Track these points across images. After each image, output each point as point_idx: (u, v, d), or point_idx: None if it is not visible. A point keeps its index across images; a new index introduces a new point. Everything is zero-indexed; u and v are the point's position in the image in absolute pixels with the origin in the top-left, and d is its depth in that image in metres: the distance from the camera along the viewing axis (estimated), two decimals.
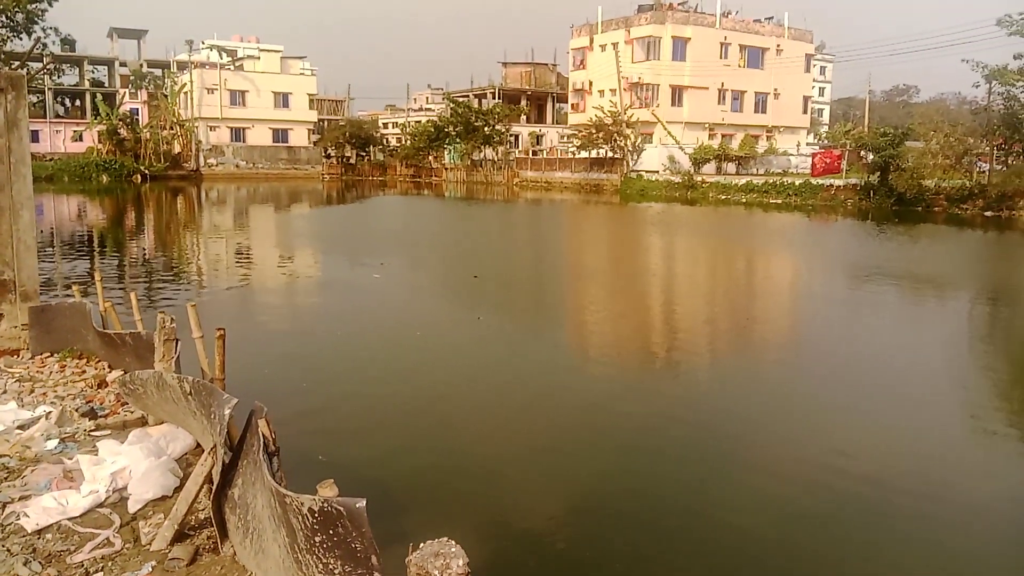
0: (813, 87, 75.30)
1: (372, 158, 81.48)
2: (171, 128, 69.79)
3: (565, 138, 66.33)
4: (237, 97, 73.24)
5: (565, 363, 11.48)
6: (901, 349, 12.41)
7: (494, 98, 75.59)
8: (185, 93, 71.27)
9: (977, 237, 29.51)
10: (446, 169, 72.91)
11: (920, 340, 13.23)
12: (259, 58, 75.55)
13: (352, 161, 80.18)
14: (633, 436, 8.39)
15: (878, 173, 41.13)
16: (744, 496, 6.90)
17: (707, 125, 60.23)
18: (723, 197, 47.26)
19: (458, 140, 70.28)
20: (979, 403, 9.71)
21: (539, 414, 9.03)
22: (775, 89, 63.57)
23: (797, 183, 45.22)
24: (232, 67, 74.21)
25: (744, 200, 45.71)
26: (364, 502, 3.18)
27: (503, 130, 69.64)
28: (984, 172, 39.80)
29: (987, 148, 40.10)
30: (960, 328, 14.56)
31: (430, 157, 75.39)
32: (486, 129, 68.05)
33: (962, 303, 16.95)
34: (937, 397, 9.89)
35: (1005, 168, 38.88)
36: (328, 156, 78.99)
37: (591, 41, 64.45)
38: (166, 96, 71.33)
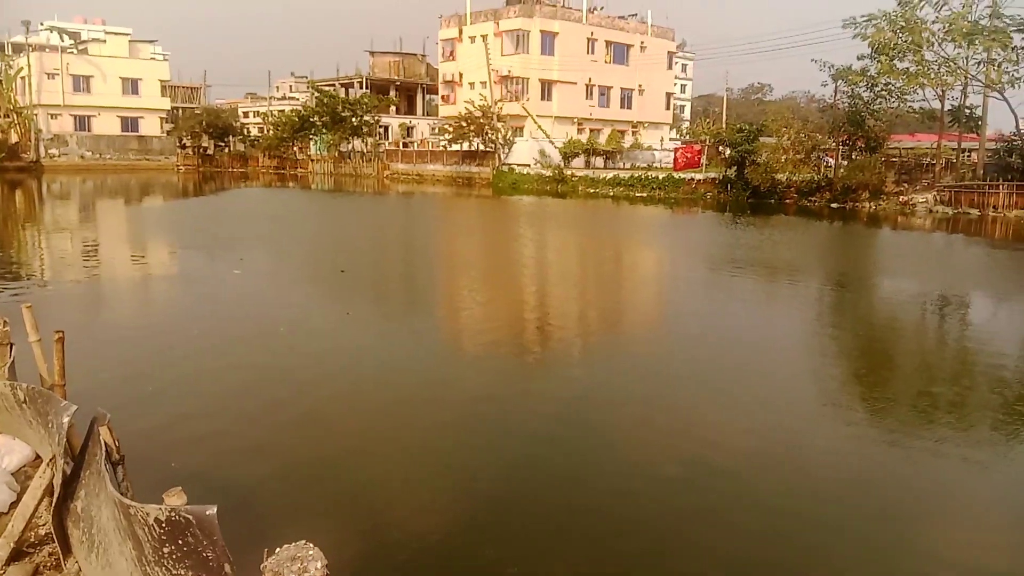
0: (675, 84, 78.62)
1: (232, 149, 78.13)
2: (6, 116, 64.20)
3: (436, 130, 66.09)
4: (81, 83, 68.25)
5: (436, 357, 11.45)
6: (758, 332, 13.22)
7: (362, 88, 74.24)
8: (22, 78, 65.75)
9: (824, 227, 31.80)
10: (312, 161, 70.97)
11: (776, 323, 14.13)
12: (105, 41, 70.68)
13: (210, 152, 76.57)
14: (506, 427, 8.49)
15: (735, 167, 43.47)
16: (617, 480, 7.13)
17: (576, 120, 61.66)
18: (592, 190, 48.59)
19: (325, 131, 68.56)
20: (829, 381, 10.48)
21: (408, 409, 8.96)
22: (640, 85, 65.88)
23: (661, 177, 47.12)
24: (75, 51, 69.04)
25: (612, 193, 47.18)
26: (215, 509, 3.05)
27: (372, 121, 68.55)
28: (831, 166, 42.90)
29: (833, 144, 43.23)
30: (811, 311, 15.65)
31: (295, 148, 73.15)
32: (354, 120, 66.75)
33: (812, 288, 18.22)
34: (792, 376, 10.61)
35: (849, 163, 42.04)
36: (183, 146, 75.01)
37: (460, 32, 64.50)
38: (0, 82, 65.55)
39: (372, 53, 79.52)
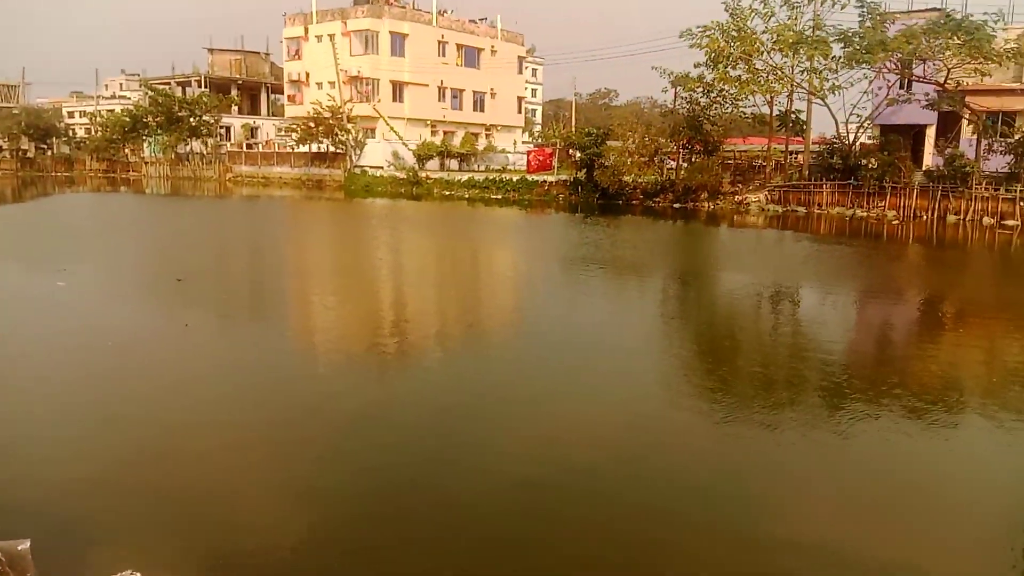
0: (526, 88, 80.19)
1: (56, 151, 72.25)
2: None
3: (283, 131, 63.96)
4: None
5: (283, 366, 11.02)
6: (608, 327, 13.64)
7: (200, 87, 70.70)
8: None
9: (669, 226, 33.39)
10: (146, 163, 66.86)
11: (625, 318, 14.64)
12: None
13: (30, 155, 70.45)
14: (363, 434, 8.28)
15: (585, 170, 44.77)
16: (478, 480, 7.11)
17: (429, 122, 61.54)
18: (447, 193, 48.62)
19: (160, 131, 64.74)
20: (675, 373, 10.96)
21: (250, 421, 8.56)
22: (492, 89, 66.66)
23: (515, 179, 47.83)
24: None
25: (467, 195, 47.41)
26: (28, 543, 2.75)
27: (212, 121, 65.43)
28: (673, 169, 45.05)
29: (675, 147, 45.43)
30: (658, 305, 16.34)
31: (126, 150, 68.63)
32: (192, 120, 63.47)
33: (659, 283, 19.05)
34: (640, 368, 11.01)
35: (689, 165, 44.30)
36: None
37: (306, 31, 62.77)
38: None
39: (211, 51, 75.91)
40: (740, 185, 41.43)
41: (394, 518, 6.41)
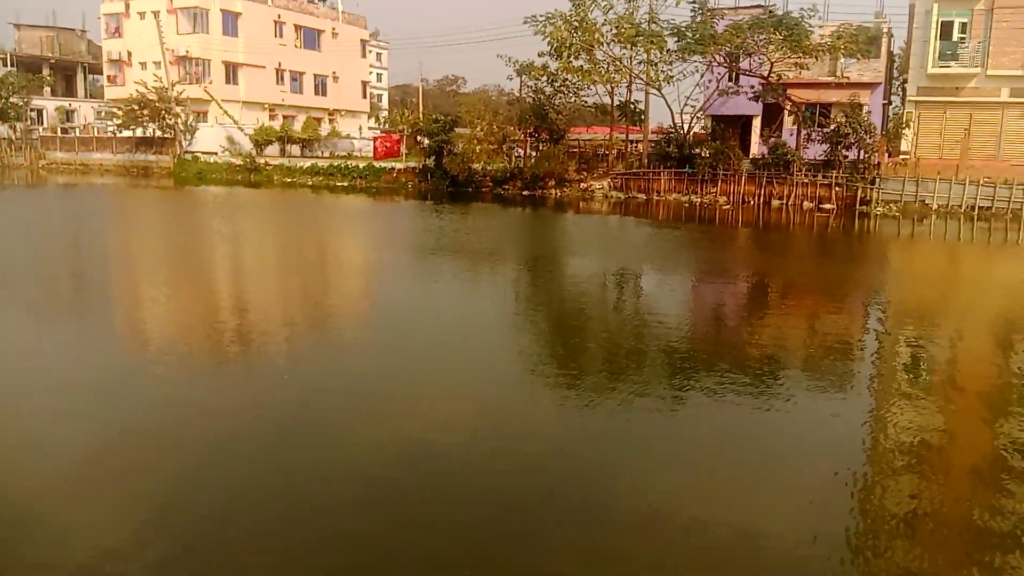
0: (371, 73, 78.76)
1: None
2: None
3: (103, 115, 59.33)
4: None
5: (111, 367, 10.24)
6: (462, 314, 13.66)
7: (6, 65, 64.26)
8: None
9: (518, 213, 33.91)
10: None
11: (477, 304, 14.71)
12: None
13: None
14: (211, 435, 7.82)
15: (433, 157, 44.60)
16: (322, 478, 6.90)
17: (267, 105, 59.13)
18: (289, 180, 46.97)
19: None
20: (527, 356, 11.13)
21: (75, 426, 7.90)
22: (334, 72, 64.91)
23: (361, 166, 46.89)
24: None
25: (311, 183, 46.00)
26: None
27: (21, 104, 59.74)
28: (521, 156, 45.75)
29: (522, 135, 46.12)
30: (510, 290, 16.55)
31: None
32: None
33: (510, 269, 19.29)
34: (496, 354, 11.10)
35: (537, 153, 45.15)
36: None
37: (127, 7, 58.49)
38: None
39: (18, 26, 69.12)
40: (585, 173, 42.68)
41: (259, 522, 6.12)
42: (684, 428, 8.50)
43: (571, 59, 39.81)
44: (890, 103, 45.68)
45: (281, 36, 60.70)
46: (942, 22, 35.80)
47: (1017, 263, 23.62)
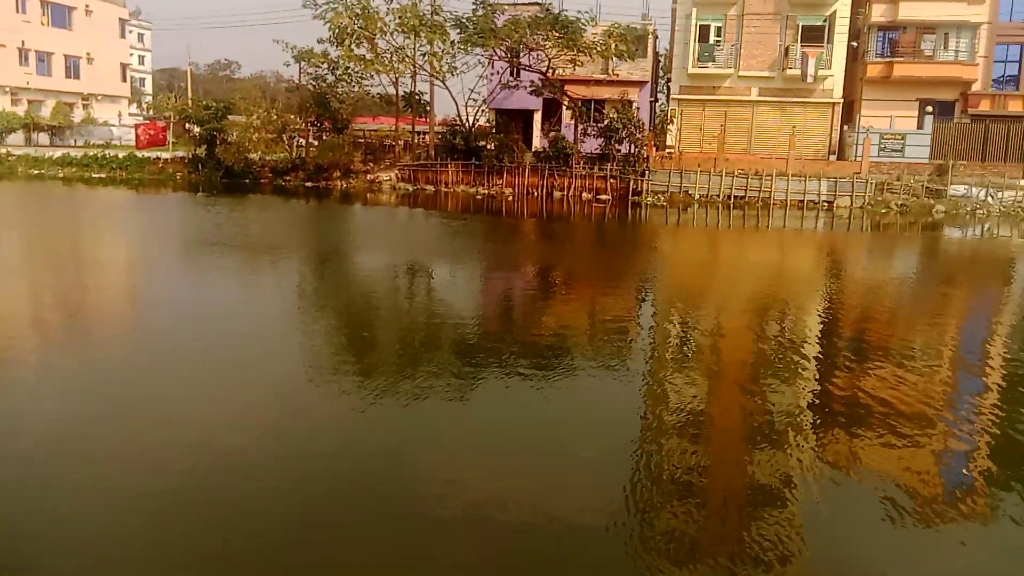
0: (132, 55, 72.42)
1: None
2: None
3: None
4: None
5: None
6: (243, 313, 12.74)
7: None
8: None
9: (301, 205, 32.59)
10: None
11: (261, 302, 13.81)
12: None
13: None
14: None
15: (205, 146, 41.87)
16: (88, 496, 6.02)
17: (8, 89, 52.51)
18: (36, 172, 41.98)
19: None
20: (319, 351, 10.54)
21: None
22: (88, 53, 58.83)
23: (122, 156, 42.98)
24: None
25: (62, 175, 41.43)
26: None
27: None
28: (303, 146, 44.11)
29: (303, 124, 44.45)
30: (295, 287, 15.72)
31: None
32: None
33: (294, 264, 18.37)
34: (282, 352, 10.41)
35: (320, 143, 43.73)
36: None
37: None
38: None
39: None
40: (372, 164, 41.97)
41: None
42: (475, 415, 8.43)
43: (353, 47, 38.90)
44: (657, 100, 49.10)
45: (24, 12, 54.02)
46: (700, 26, 38.97)
47: (767, 246, 26.19)
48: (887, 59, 38.43)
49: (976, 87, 38.14)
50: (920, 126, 37.44)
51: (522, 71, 40.05)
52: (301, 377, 9.51)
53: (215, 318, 12.42)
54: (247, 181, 39.80)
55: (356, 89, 44.05)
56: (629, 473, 7.01)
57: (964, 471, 7.33)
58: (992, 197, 34.28)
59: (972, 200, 34.31)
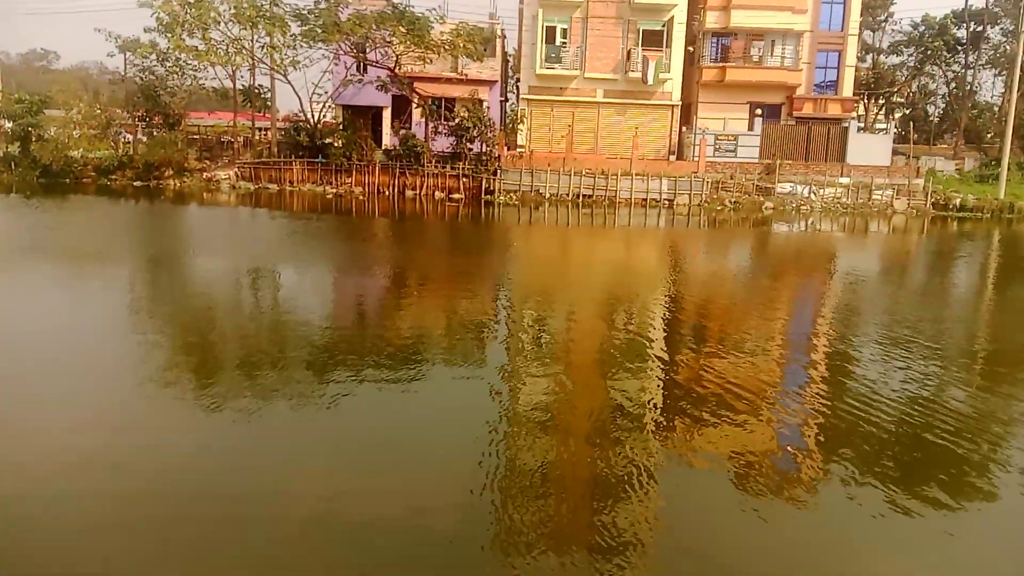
0: None
1: None
2: None
3: None
4: None
5: None
6: (67, 326, 11.80)
7: None
8: None
9: (131, 206, 30.64)
10: None
11: (89, 313, 12.85)
12: None
13: None
14: None
15: (19, 143, 38.58)
16: None
17: None
18: None
19: None
20: (156, 364, 9.93)
21: None
22: None
23: None
24: None
25: None
26: None
27: None
28: (131, 143, 41.49)
29: (131, 119, 41.82)
30: (126, 294, 14.75)
31: None
32: None
33: (124, 270, 17.21)
34: (115, 366, 9.75)
35: (150, 139, 41.28)
36: None
37: None
38: None
39: None
40: (208, 161, 40.16)
41: None
42: (333, 422, 8.26)
43: (184, 37, 36.98)
44: (507, 100, 49.86)
45: None
46: (547, 27, 39.94)
47: (614, 243, 27.24)
48: (720, 64, 40.92)
49: (800, 91, 41.33)
50: (751, 128, 40.17)
51: (369, 67, 39.53)
52: (132, 392, 8.97)
53: (32, 333, 11.46)
54: (67, 181, 37.02)
55: (189, 82, 42.05)
56: (484, 468, 7.12)
57: (799, 446, 7.96)
58: (815, 194, 37.33)
59: (797, 197, 37.24)
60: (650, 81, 39.80)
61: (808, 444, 8.11)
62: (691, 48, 41.61)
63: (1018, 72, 39.56)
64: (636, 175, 36.76)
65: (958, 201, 38.18)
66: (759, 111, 41.06)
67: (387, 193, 37.23)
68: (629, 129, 40.42)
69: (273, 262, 19.14)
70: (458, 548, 5.82)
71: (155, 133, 41.53)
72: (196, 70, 40.67)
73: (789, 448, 7.98)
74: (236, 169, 38.96)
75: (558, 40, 40.30)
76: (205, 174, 38.89)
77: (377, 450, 7.60)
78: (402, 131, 39.67)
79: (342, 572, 5.53)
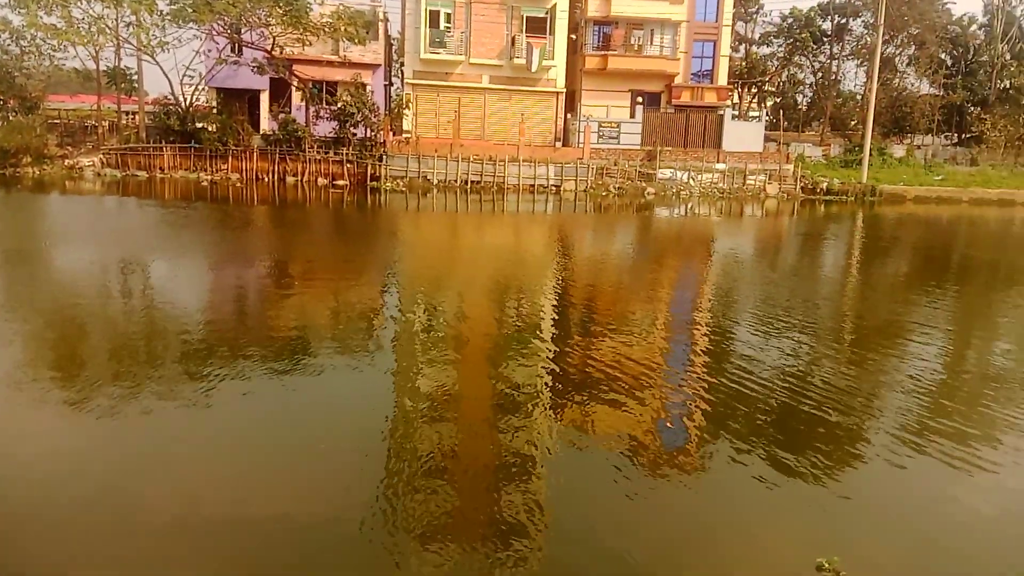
0: None
1: None
2: None
3: None
4: None
5: None
6: None
7: None
8: None
9: None
10: None
11: None
12: None
13: None
14: None
15: None
16: None
17: None
18: None
19: None
20: (19, 371, 9.22)
21: None
22: None
23: None
24: None
25: None
26: None
27: None
28: None
29: None
30: None
31: None
32: None
33: None
34: None
35: (4, 124, 38.38)
36: None
37: None
38: None
39: None
40: (71, 148, 37.67)
41: None
42: (206, 418, 7.89)
43: (40, 14, 34.48)
44: (392, 84, 49.13)
45: None
46: (430, 11, 39.50)
47: (503, 230, 27.33)
48: (602, 52, 41.62)
49: (678, 80, 42.59)
50: (632, 115, 41.14)
51: (245, 48, 38.00)
52: None
53: None
54: None
55: (48, 63, 39.28)
56: (375, 460, 6.99)
57: (684, 424, 8.19)
58: (693, 180, 38.65)
59: (677, 182, 38.46)
60: (534, 68, 40.06)
61: (693, 421, 8.36)
62: (574, 36, 42.14)
63: (878, 62, 42.18)
64: (523, 161, 36.99)
65: (825, 185, 40.47)
66: (640, 99, 42.09)
67: (266, 180, 36.01)
68: (515, 115, 40.60)
69: (142, 253, 18.11)
70: (337, 542, 5.67)
71: (10, 117, 38.63)
72: (55, 50, 38.03)
73: (675, 426, 8.21)
74: (101, 156, 36.72)
75: (442, 25, 39.94)
76: (67, 161, 36.48)
77: (254, 446, 7.31)
78: (281, 115, 38.41)
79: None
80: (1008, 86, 53.12)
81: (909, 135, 56.61)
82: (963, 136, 56.63)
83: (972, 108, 53.85)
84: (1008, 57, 52.98)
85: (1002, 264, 22.41)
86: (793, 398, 8.99)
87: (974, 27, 55.70)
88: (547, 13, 40.64)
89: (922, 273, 20.45)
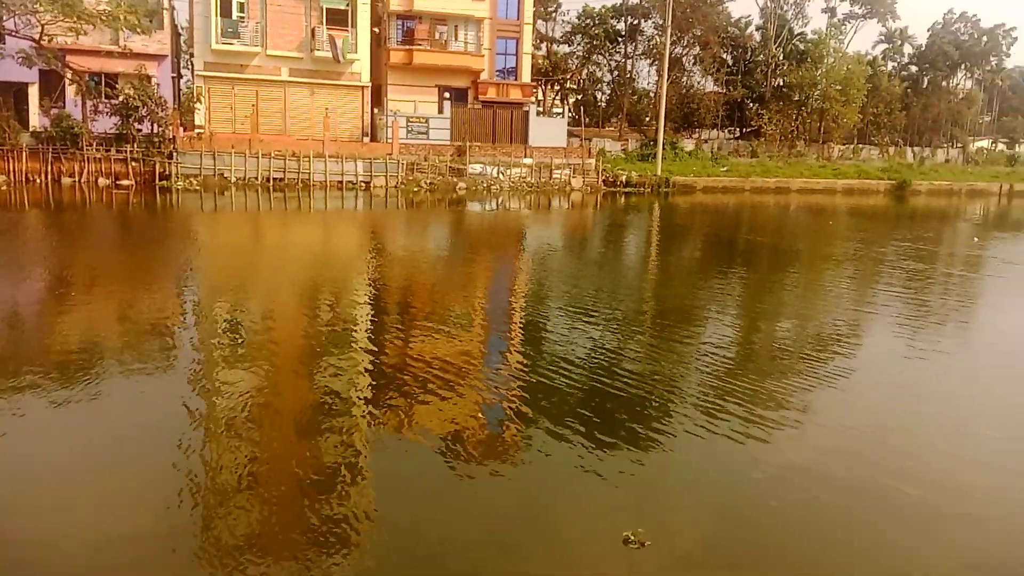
0: None
1: None
2: None
3: None
4: None
5: None
6: None
7: None
8: None
9: None
10: None
11: None
12: None
13: None
14: None
15: None
16: None
17: None
18: None
19: None
20: None
21: None
22: None
23: None
24: None
25: None
26: None
27: None
28: None
29: None
30: None
31: None
32: None
33: None
34: None
35: None
36: None
37: None
38: None
39: None
40: None
41: None
42: (70, 436, 7.04)
43: None
44: (181, 76, 46.26)
45: None
46: (221, 0, 37.51)
47: (311, 228, 26.59)
48: (407, 47, 41.48)
49: (484, 76, 43.30)
50: (441, 111, 41.35)
51: (8, 37, 34.26)
52: None
53: None
54: None
55: None
56: (180, 477, 6.54)
57: (504, 413, 8.35)
58: (502, 174, 39.51)
59: (487, 177, 39.16)
60: (341, 59, 39.23)
61: (513, 409, 8.53)
62: (377, 29, 41.68)
63: (667, 62, 45.09)
64: (330, 157, 36.12)
65: (624, 178, 42.83)
66: (447, 94, 42.37)
67: (38, 181, 32.78)
68: (319, 110, 39.54)
69: None
70: (151, 565, 5.29)
71: None
72: None
73: (493, 417, 8.35)
74: None
75: (235, 14, 38.12)
76: None
77: (41, 477, 6.63)
78: (54, 110, 35.05)
79: None
80: (781, 84, 58.68)
81: (697, 130, 61.06)
82: (744, 130, 61.93)
83: (751, 104, 58.96)
84: (781, 57, 58.53)
85: (779, 248, 24.75)
86: (602, 383, 9.42)
87: (751, 29, 61.07)
88: (348, 5, 39.91)
89: (712, 259, 22.15)
